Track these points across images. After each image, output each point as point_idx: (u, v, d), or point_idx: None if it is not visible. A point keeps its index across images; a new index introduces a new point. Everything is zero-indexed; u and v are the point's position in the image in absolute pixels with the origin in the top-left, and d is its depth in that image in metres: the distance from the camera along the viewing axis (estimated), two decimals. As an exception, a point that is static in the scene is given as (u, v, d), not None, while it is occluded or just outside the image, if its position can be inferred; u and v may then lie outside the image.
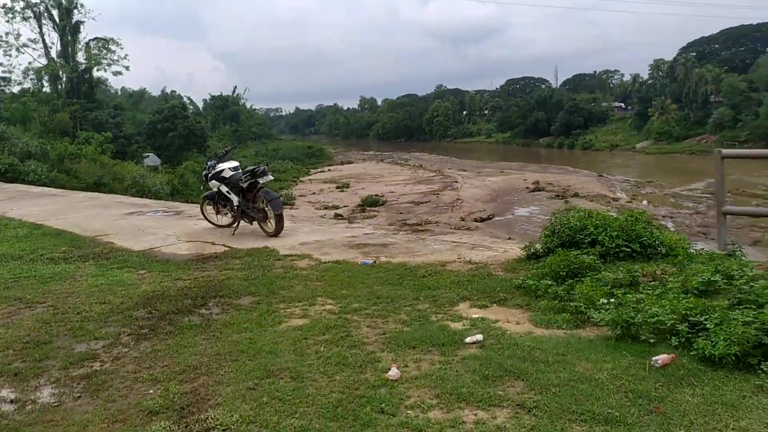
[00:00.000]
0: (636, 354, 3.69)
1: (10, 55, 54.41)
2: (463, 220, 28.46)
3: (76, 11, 54.53)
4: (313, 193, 40.10)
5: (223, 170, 8.94)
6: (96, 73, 58.15)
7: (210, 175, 9.12)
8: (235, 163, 9.17)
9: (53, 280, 6.26)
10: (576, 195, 35.88)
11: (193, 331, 4.57)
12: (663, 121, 75.91)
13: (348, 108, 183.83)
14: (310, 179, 51.16)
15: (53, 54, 55.02)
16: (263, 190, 8.63)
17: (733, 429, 2.88)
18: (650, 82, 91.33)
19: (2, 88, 58.71)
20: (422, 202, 34.17)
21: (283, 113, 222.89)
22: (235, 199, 8.71)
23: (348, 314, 4.78)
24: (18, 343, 4.46)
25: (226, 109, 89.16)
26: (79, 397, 3.60)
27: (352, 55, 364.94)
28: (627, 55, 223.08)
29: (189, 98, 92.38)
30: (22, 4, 52.54)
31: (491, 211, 31.79)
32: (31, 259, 7.37)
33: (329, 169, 59.97)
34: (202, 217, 9.71)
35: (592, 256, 5.29)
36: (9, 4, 52.21)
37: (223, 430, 3.06)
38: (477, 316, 4.58)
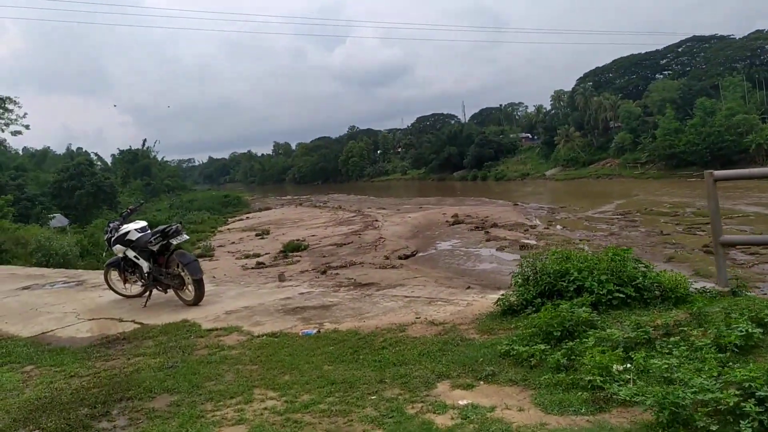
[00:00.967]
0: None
1: None
2: (387, 258, 27.86)
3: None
4: (233, 243, 38.38)
5: (128, 232, 7.76)
6: (-8, 135, 54.64)
7: (114, 238, 7.90)
8: (142, 223, 8.00)
9: None
10: (495, 225, 36.10)
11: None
12: (569, 148, 79.27)
13: (262, 154, 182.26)
14: (228, 228, 49.24)
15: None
16: (178, 252, 7.50)
17: None
18: (553, 111, 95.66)
19: None
20: (345, 244, 33.34)
21: (196, 163, 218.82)
22: (144, 264, 7.56)
23: (297, 413, 3.76)
24: None
25: (136, 163, 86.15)
26: None
27: (262, 102, 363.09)
28: (529, 88, 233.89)
29: (96, 154, 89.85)
30: None
31: (414, 247, 31.39)
32: None
33: (247, 217, 58.22)
34: (107, 287, 8.43)
35: (585, 309, 4.44)
36: None
37: None
38: (465, 402, 3.64)
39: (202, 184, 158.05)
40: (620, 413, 3.29)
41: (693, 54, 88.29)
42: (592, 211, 41.53)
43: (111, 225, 8.21)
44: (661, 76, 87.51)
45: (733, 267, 20.13)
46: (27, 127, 54.19)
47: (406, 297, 6.68)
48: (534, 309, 5.02)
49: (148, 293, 7.65)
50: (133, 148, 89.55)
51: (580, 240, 29.81)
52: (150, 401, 4.21)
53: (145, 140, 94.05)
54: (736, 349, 3.66)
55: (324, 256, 29.67)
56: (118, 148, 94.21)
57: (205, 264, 29.68)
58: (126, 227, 7.85)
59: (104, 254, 9.21)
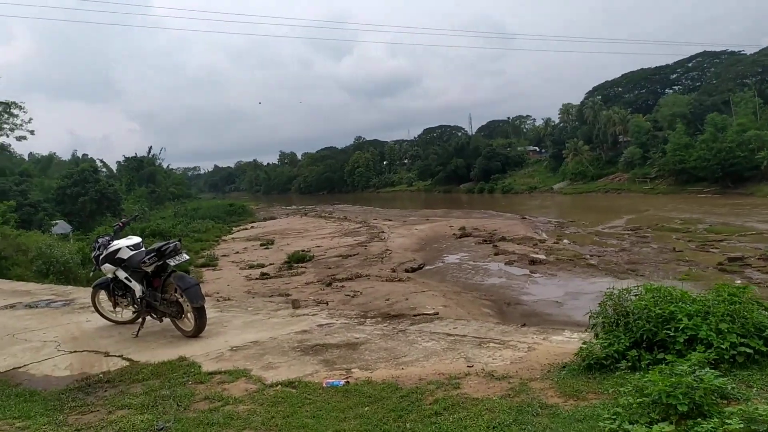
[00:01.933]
0: None
1: None
2: (394, 271, 27.14)
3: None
4: (237, 252, 37.60)
5: (119, 249, 6.73)
6: (-2, 139, 53.99)
7: (102, 256, 6.86)
8: (135, 239, 6.97)
9: None
10: (503, 239, 35.30)
11: None
12: (577, 162, 78.34)
13: (268, 163, 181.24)
14: (233, 238, 48.51)
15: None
16: (176, 275, 6.45)
17: None
18: (561, 125, 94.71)
19: None
20: (350, 255, 32.56)
21: (202, 172, 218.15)
22: (137, 288, 6.54)
23: None
24: None
25: (141, 170, 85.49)
26: None
27: (269, 111, 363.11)
28: (537, 101, 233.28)
29: (102, 161, 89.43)
30: None
31: (421, 260, 30.70)
32: None
33: (252, 226, 57.46)
34: (95, 310, 7.42)
35: (711, 372, 3.26)
36: None
37: None
38: None
39: (207, 193, 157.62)
40: None
41: (703, 69, 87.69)
42: (601, 226, 40.66)
43: (100, 240, 7.15)
44: (671, 91, 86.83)
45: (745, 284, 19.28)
46: (32, 132, 53.52)
47: (449, 335, 5.62)
48: (629, 365, 3.99)
49: (140, 321, 6.68)
50: (138, 156, 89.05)
51: (591, 255, 28.97)
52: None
53: (150, 147, 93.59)
54: None
55: (329, 268, 28.98)
56: (123, 155, 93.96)
57: (208, 274, 29.31)
58: (116, 243, 6.82)
59: (91, 274, 8.17)
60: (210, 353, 5.60)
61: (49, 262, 23.25)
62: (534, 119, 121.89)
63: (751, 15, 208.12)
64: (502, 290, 22.85)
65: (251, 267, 30.50)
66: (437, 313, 18.13)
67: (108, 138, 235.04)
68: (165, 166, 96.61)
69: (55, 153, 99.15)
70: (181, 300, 6.28)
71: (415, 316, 17.41)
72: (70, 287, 11.19)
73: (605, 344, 4.21)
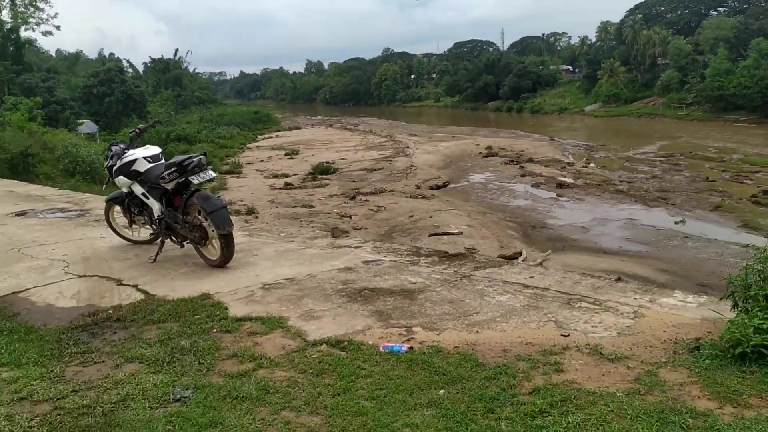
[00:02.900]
0: None
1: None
2: (418, 187, 27.38)
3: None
4: (261, 161, 37.85)
5: (135, 160, 5.87)
6: (24, 33, 54.04)
7: (116, 167, 6.02)
8: (154, 149, 6.06)
9: None
10: (530, 160, 35.08)
11: None
12: (611, 83, 75.89)
13: (294, 72, 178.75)
14: (257, 146, 48.55)
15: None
16: (200, 195, 5.57)
17: None
18: (598, 44, 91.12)
19: None
20: (375, 170, 32.71)
21: (228, 77, 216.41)
22: (155, 206, 5.75)
23: None
24: None
25: (167, 73, 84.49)
26: None
27: (297, 18, 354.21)
28: (574, 18, 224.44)
29: (128, 61, 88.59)
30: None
31: (446, 178, 30.78)
32: None
33: (277, 135, 57.16)
34: (109, 227, 6.78)
35: None
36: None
37: None
38: None
39: (232, 99, 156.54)
40: None
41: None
42: (632, 152, 39.97)
43: (113, 149, 6.24)
44: (716, 13, 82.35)
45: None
46: (58, 27, 53.41)
47: (526, 286, 4.71)
48: None
49: (159, 244, 5.92)
50: (165, 58, 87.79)
51: (621, 181, 28.76)
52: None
53: (177, 50, 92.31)
54: None
55: (353, 181, 29.20)
56: (150, 57, 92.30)
57: (232, 181, 29.65)
58: (132, 153, 5.94)
59: (104, 187, 7.17)
60: (238, 290, 4.84)
61: (75, 162, 23.74)
62: (570, 37, 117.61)
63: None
64: (528, 213, 22.95)
65: (275, 176, 30.75)
66: (461, 233, 18.58)
67: (135, 38, 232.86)
68: (191, 69, 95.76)
69: (81, 51, 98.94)
70: (205, 224, 5.48)
71: (439, 234, 17.48)
72: (87, 195, 10.29)
73: (752, 319, 3.21)
